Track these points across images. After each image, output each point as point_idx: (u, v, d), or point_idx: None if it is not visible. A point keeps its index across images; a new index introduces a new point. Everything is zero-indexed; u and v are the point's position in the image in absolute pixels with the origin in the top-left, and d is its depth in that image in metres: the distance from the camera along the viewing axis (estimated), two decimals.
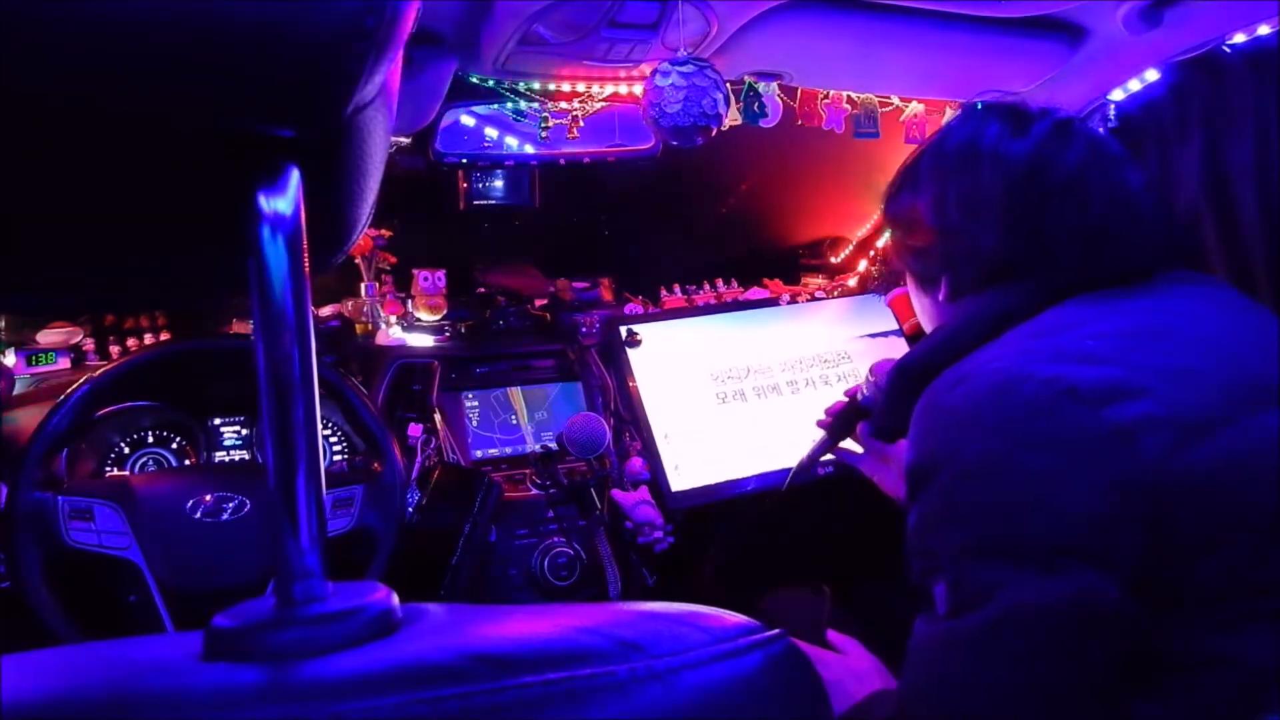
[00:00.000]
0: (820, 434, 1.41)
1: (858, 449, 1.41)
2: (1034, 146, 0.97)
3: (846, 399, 1.37)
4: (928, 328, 1.13)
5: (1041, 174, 0.96)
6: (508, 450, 1.73)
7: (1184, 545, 0.76)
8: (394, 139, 1.55)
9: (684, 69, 1.25)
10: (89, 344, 1.62)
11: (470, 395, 1.75)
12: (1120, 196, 0.96)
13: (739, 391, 1.85)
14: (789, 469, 1.48)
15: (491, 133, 1.64)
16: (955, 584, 0.81)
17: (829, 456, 1.44)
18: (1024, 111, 1.03)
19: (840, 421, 1.38)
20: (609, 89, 1.54)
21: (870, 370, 1.31)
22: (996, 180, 0.97)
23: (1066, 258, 0.95)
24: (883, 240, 2.13)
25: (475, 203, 1.77)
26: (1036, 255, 0.96)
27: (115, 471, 1.53)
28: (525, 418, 1.77)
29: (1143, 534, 0.76)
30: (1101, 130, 1.44)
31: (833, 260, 2.20)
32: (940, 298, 1.05)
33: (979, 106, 1.09)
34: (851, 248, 2.19)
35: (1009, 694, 0.78)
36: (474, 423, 1.73)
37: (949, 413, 0.87)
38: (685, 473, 1.72)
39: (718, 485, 1.73)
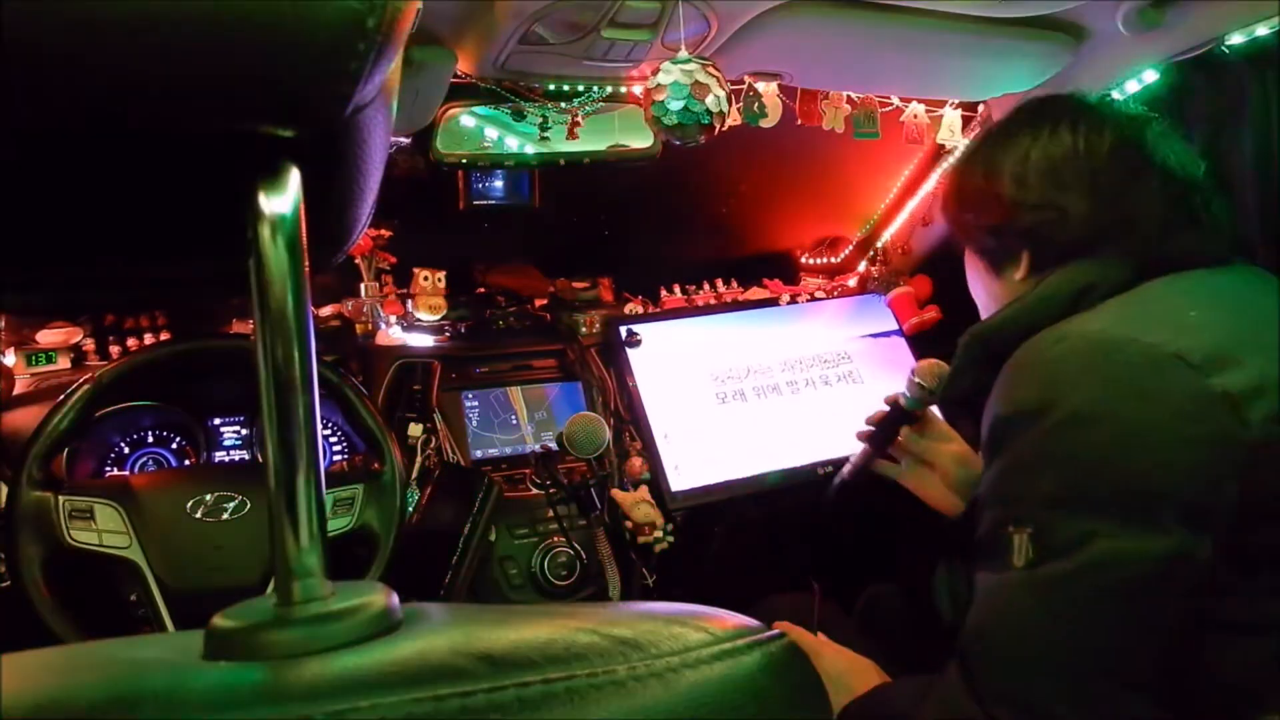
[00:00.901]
0: (861, 446, 1.39)
1: (895, 469, 1.39)
2: (1118, 124, 1.02)
3: (888, 406, 1.35)
4: (991, 309, 1.13)
5: (1127, 149, 1.00)
6: (508, 450, 1.73)
7: (1261, 511, 0.79)
8: (394, 139, 1.55)
9: (684, 68, 1.25)
10: (89, 344, 1.61)
11: (470, 395, 1.75)
12: (1193, 178, 1.01)
13: (739, 391, 1.85)
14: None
15: (491, 133, 1.64)
16: (1040, 533, 0.83)
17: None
18: (1095, 98, 1.08)
19: (883, 430, 1.36)
20: (609, 89, 1.54)
21: (912, 372, 1.30)
22: (1084, 152, 1.00)
23: (1150, 230, 0.97)
24: (884, 240, 2.13)
25: (475, 203, 1.76)
26: (1122, 227, 0.98)
27: (115, 471, 1.53)
28: (525, 418, 1.77)
29: (1236, 496, 0.78)
30: None
31: (833, 260, 2.20)
32: (1018, 275, 1.07)
33: (1052, 93, 1.13)
34: (851, 248, 2.19)
35: (1080, 641, 0.80)
36: (474, 423, 1.73)
37: (1050, 365, 0.88)
38: (685, 473, 1.72)
39: (718, 485, 1.73)
